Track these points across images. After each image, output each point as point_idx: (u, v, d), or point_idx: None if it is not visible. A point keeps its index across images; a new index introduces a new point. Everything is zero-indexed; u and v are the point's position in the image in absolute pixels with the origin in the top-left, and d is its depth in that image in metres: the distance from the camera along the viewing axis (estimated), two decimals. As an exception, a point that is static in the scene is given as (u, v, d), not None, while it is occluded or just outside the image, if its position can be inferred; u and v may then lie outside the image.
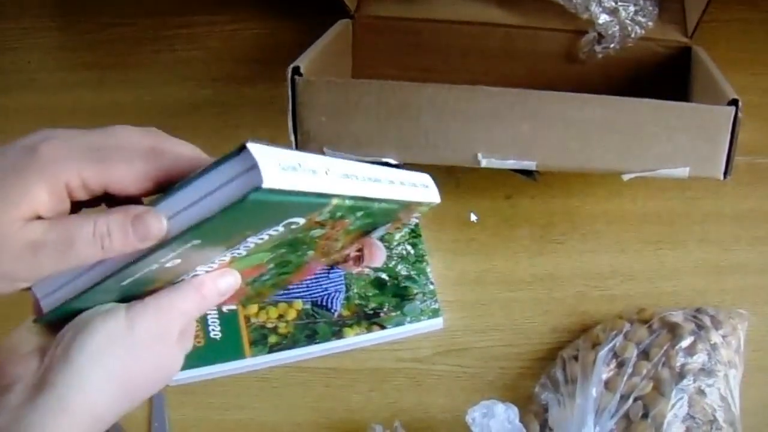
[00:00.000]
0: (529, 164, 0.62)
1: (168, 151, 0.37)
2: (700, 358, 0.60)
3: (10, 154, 0.35)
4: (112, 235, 0.34)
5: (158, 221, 0.34)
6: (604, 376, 0.61)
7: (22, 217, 0.34)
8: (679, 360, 0.60)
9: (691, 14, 0.72)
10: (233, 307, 0.68)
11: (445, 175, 0.74)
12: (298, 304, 0.69)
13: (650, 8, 0.72)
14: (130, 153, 0.36)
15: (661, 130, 0.60)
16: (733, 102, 0.58)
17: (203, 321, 0.67)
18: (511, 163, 0.62)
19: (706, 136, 0.60)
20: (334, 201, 0.37)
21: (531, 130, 0.61)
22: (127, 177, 0.36)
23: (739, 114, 0.58)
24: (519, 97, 0.61)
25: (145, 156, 0.36)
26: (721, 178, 0.60)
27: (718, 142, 0.59)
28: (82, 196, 0.36)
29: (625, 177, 0.61)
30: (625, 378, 0.60)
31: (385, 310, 0.68)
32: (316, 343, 0.67)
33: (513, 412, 0.59)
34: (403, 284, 0.69)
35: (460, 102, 0.61)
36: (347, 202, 0.39)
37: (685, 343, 0.61)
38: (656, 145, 0.61)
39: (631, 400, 0.59)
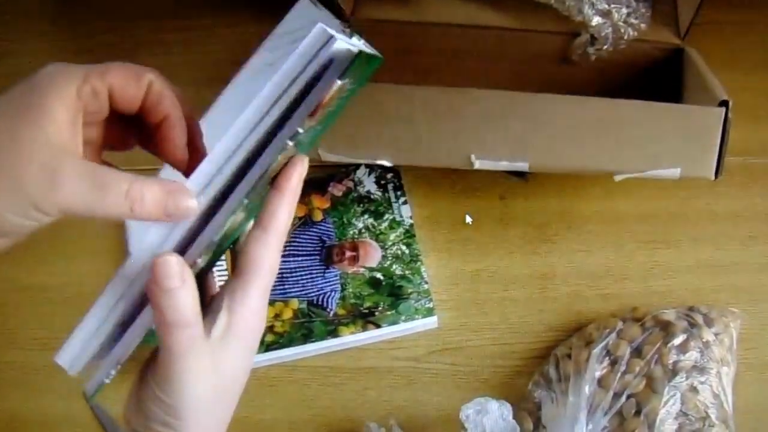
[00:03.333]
0: (522, 165, 0.62)
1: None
2: (692, 356, 0.61)
3: (17, 88, 0.36)
4: (144, 201, 0.35)
5: (189, 200, 0.36)
6: (598, 374, 0.61)
7: (46, 138, 0.34)
8: (672, 357, 0.61)
9: (684, 16, 0.73)
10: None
11: (440, 176, 0.75)
12: (294, 303, 0.69)
13: (643, 10, 0.73)
14: (125, 66, 0.39)
15: (652, 131, 0.61)
16: (724, 103, 0.59)
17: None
18: (504, 165, 0.62)
19: (696, 136, 0.60)
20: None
21: (523, 132, 0.61)
22: (128, 81, 0.38)
23: (729, 115, 0.59)
24: (511, 99, 0.61)
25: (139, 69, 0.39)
26: (712, 178, 0.60)
27: (708, 142, 0.60)
28: (93, 105, 0.37)
29: (617, 178, 0.62)
30: (618, 376, 0.61)
31: (380, 309, 0.69)
32: (311, 342, 0.68)
33: (507, 409, 0.59)
34: (397, 284, 0.70)
35: (453, 104, 0.62)
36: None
37: (678, 340, 0.62)
38: (648, 146, 0.61)
39: (624, 398, 0.60)
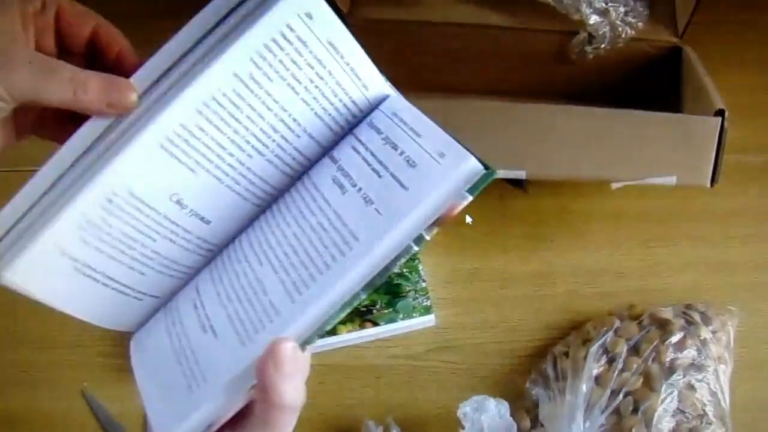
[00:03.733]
0: (519, 173, 0.62)
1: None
2: (689, 354, 0.61)
3: None
4: (87, 87, 0.37)
5: (131, 93, 0.38)
6: (595, 372, 0.61)
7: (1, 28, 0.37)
8: (669, 355, 0.61)
9: (681, 14, 0.73)
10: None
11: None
12: (292, 301, 0.69)
13: (640, 9, 0.73)
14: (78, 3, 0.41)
15: (648, 140, 0.61)
16: (720, 112, 0.59)
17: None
18: (501, 173, 0.62)
19: (692, 145, 0.61)
20: None
21: (521, 141, 0.62)
22: (78, 11, 0.41)
23: (725, 124, 0.59)
24: (508, 109, 0.62)
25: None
26: (708, 186, 0.61)
27: (704, 151, 0.60)
28: (41, 19, 0.39)
29: (614, 186, 0.62)
30: (615, 373, 0.61)
31: (377, 307, 0.69)
32: (309, 340, 0.68)
33: (504, 407, 0.59)
34: (395, 282, 0.70)
35: (449, 115, 0.61)
36: None
37: (675, 338, 0.62)
38: (644, 155, 0.62)
39: (621, 395, 0.60)
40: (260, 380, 0.36)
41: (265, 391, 0.36)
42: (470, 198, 0.37)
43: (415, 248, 0.37)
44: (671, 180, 0.61)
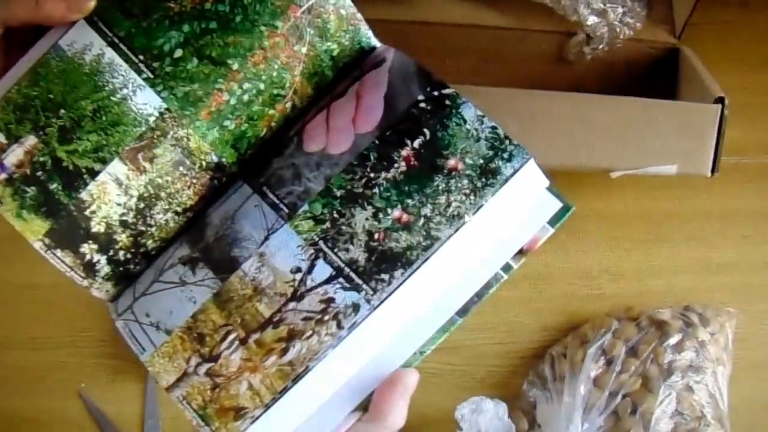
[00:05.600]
0: None
1: None
2: (688, 355, 0.61)
3: None
4: None
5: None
6: (593, 374, 0.61)
7: None
8: (667, 357, 0.61)
9: (679, 15, 0.73)
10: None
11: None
12: (290, 303, 0.69)
13: (638, 9, 0.73)
14: None
15: (648, 127, 0.61)
16: (720, 100, 0.59)
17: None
18: None
19: (693, 133, 0.60)
20: None
21: (518, 129, 0.61)
22: None
23: (725, 111, 0.59)
24: (506, 97, 0.61)
25: None
26: (709, 174, 0.60)
27: (705, 139, 0.60)
28: None
29: (614, 174, 0.62)
30: (613, 375, 0.61)
31: (375, 308, 0.69)
32: (307, 341, 0.67)
33: (502, 408, 0.59)
34: (393, 283, 0.70)
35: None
36: None
37: (673, 340, 0.62)
38: (644, 143, 0.61)
39: (619, 397, 0.60)
40: (381, 403, 0.38)
41: (382, 414, 0.38)
42: (552, 230, 0.39)
43: (505, 276, 0.40)
44: (671, 169, 0.61)
